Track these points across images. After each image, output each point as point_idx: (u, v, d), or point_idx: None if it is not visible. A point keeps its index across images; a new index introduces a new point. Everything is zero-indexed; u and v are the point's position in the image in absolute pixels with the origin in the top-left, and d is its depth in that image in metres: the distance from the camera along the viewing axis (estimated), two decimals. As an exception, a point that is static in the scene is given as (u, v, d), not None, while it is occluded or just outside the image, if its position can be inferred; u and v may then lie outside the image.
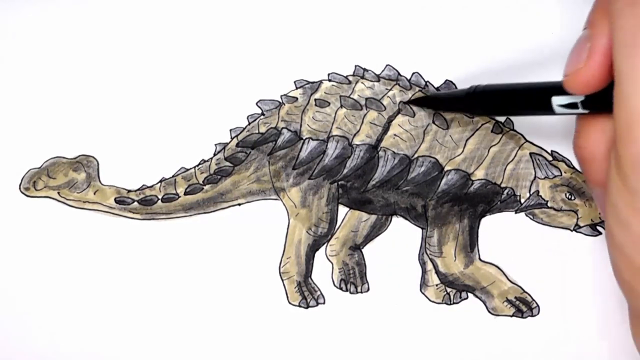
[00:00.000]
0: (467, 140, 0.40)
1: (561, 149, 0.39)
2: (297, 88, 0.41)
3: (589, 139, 0.29)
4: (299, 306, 0.40)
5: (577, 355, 0.39)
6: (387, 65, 0.41)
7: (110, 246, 0.40)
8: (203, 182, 0.41)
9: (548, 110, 0.30)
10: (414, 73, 0.41)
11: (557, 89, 0.29)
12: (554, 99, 0.30)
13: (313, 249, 0.41)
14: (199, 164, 0.41)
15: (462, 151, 0.40)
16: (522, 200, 0.40)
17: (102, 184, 0.41)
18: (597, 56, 0.27)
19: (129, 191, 0.41)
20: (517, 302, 0.40)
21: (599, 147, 0.28)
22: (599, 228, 0.40)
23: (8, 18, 0.42)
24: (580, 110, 0.29)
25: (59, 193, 0.41)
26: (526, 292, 0.40)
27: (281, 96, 0.41)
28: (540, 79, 0.33)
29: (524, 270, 0.40)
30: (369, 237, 0.41)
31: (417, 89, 0.40)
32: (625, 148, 0.25)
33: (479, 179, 0.40)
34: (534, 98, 0.31)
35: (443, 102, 0.38)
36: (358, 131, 0.40)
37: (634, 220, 0.26)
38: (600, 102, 0.27)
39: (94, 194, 0.41)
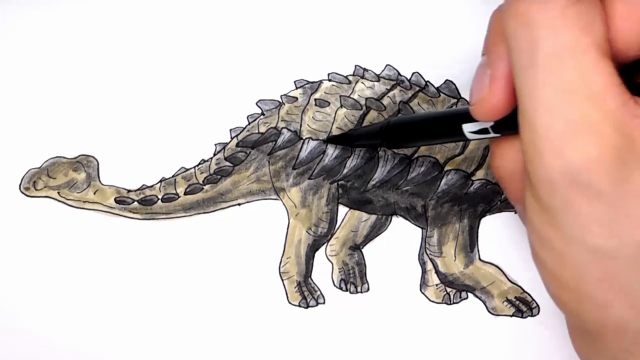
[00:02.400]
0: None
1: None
2: (297, 88, 0.41)
3: (504, 159, 0.29)
4: (299, 306, 0.40)
5: (576, 355, 0.39)
6: (387, 65, 0.41)
7: (110, 246, 0.40)
8: (203, 182, 0.41)
9: (461, 137, 0.30)
10: (414, 73, 0.41)
11: (467, 115, 0.29)
12: (465, 126, 0.30)
13: (313, 249, 0.41)
14: (199, 163, 0.41)
15: (462, 151, 0.40)
16: (522, 200, 0.40)
17: (102, 184, 0.41)
18: (498, 82, 0.27)
19: (129, 191, 0.41)
20: (517, 302, 0.40)
21: (515, 166, 0.28)
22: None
23: (8, 18, 0.42)
24: (492, 135, 0.29)
25: (59, 193, 0.41)
26: (526, 292, 0.40)
27: (281, 96, 0.41)
28: None
29: (524, 270, 0.40)
30: (369, 237, 0.41)
31: (417, 88, 0.40)
32: (535, 169, 0.25)
33: (479, 179, 0.40)
34: (446, 127, 0.32)
35: (360, 138, 0.38)
36: (358, 131, 0.40)
37: (552, 237, 0.26)
38: (509, 124, 0.27)
39: (94, 194, 0.41)
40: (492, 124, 0.29)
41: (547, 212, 0.26)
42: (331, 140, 0.40)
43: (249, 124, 0.41)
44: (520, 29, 0.25)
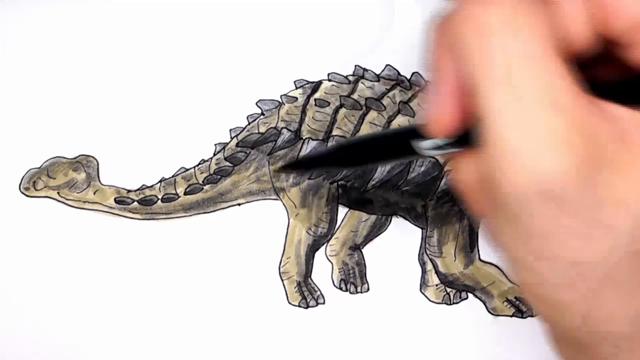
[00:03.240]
0: (467, 140, 0.40)
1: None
2: (297, 88, 0.41)
3: (464, 174, 0.28)
4: (299, 306, 0.40)
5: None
6: (387, 65, 0.41)
7: (110, 246, 0.40)
8: (203, 182, 0.41)
9: (414, 154, 0.29)
10: (414, 73, 0.41)
11: (418, 133, 0.28)
12: (421, 143, 0.29)
13: (313, 249, 0.41)
14: (199, 164, 0.41)
15: (462, 151, 0.40)
16: (522, 200, 0.40)
17: (102, 184, 0.41)
18: (449, 98, 0.26)
19: (129, 191, 0.41)
20: (517, 302, 0.40)
21: (475, 180, 0.27)
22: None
23: (8, 18, 0.42)
24: (448, 150, 0.28)
25: (59, 193, 0.41)
26: (526, 292, 0.40)
27: (281, 96, 0.41)
28: None
29: (524, 270, 0.40)
30: (369, 237, 0.41)
31: (417, 88, 0.40)
32: (500, 186, 0.24)
33: (479, 179, 0.40)
34: (397, 145, 0.30)
35: (312, 163, 0.37)
36: (358, 131, 0.40)
37: (526, 255, 0.25)
38: (465, 139, 0.26)
39: (94, 194, 0.41)
40: (445, 140, 0.28)
41: (516, 229, 0.25)
42: (284, 168, 0.39)
43: (249, 124, 0.41)
44: (473, 42, 0.24)
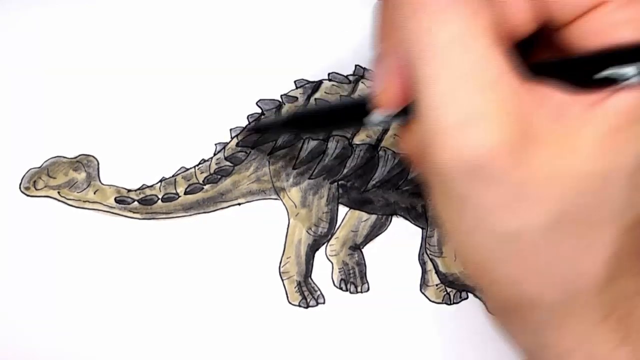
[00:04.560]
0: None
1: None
2: (297, 88, 0.41)
3: (408, 144, 0.29)
4: (299, 306, 0.40)
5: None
6: (387, 65, 0.41)
7: (110, 246, 0.40)
8: (203, 181, 0.41)
9: (363, 124, 0.31)
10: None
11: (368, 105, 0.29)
12: (371, 115, 0.30)
13: (313, 248, 0.41)
14: (199, 163, 0.41)
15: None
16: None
17: (102, 184, 0.41)
18: (393, 74, 0.27)
19: (129, 191, 0.41)
20: (517, 302, 0.40)
21: (416, 149, 0.28)
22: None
23: (8, 18, 0.42)
24: (395, 121, 0.29)
25: (59, 193, 0.41)
26: (526, 292, 0.40)
27: (281, 96, 0.41)
28: None
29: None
30: (369, 237, 0.41)
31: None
32: (434, 159, 0.25)
33: (479, 179, 0.40)
34: (349, 115, 0.32)
35: (270, 127, 0.39)
36: (358, 131, 0.40)
37: (457, 224, 0.27)
38: (408, 111, 0.27)
39: (94, 193, 0.41)
40: (394, 112, 0.29)
41: (449, 199, 0.26)
42: (245, 137, 0.40)
43: (249, 123, 0.41)
44: (410, 20, 0.25)
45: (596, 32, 0.26)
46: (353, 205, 0.41)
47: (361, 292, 0.40)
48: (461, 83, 0.24)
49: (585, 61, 0.26)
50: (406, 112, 0.28)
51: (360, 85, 0.41)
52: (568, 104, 0.25)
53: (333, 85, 0.41)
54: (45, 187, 0.41)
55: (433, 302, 0.40)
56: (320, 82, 0.41)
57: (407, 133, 0.29)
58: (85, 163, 0.41)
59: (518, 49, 0.26)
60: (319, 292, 0.40)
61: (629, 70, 0.24)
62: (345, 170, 0.40)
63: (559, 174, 0.25)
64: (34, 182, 0.41)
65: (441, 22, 0.24)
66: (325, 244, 0.41)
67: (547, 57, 0.28)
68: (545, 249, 0.26)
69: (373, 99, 0.28)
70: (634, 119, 0.25)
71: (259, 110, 0.41)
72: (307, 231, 0.40)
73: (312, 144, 0.40)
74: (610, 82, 0.25)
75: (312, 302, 0.40)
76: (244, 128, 0.41)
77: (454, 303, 0.40)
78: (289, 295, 0.40)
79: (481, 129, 0.24)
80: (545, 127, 0.25)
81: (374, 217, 0.41)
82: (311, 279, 0.40)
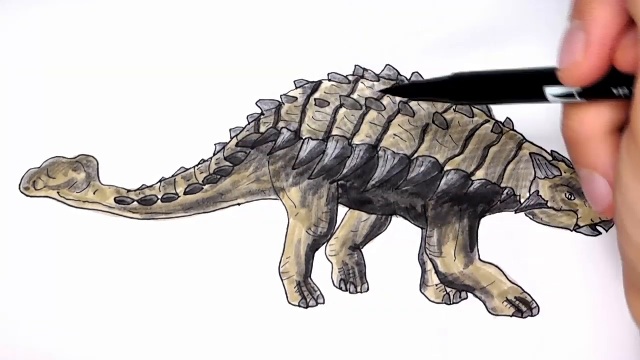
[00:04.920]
0: (467, 140, 0.40)
1: (561, 149, 0.39)
2: (297, 88, 0.41)
3: (583, 124, 0.28)
4: (299, 306, 0.40)
5: (576, 355, 0.39)
6: (387, 65, 0.41)
7: (110, 246, 0.40)
8: (203, 182, 0.41)
9: (540, 99, 0.29)
10: (413, 73, 0.41)
11: (550, 78, 0.28)
12: (548, 89, 0.28)
13: (313, 249, 0.41)
14: (199, 163, 0.41)
15: (462, 151, 0.40)
16: (522, 201, 0.40)
17: (102, 184, 0.41)
18: (594, 47, 0.25)
19: (129, 191, 0.41)
20: (517, 302, 0.40)
21: (593, 132, 0.27)
22: (598, 228, 0.40)
23: (8, 18, 0.42)
24: (578, 100, 0.28)
25: (59, 193, 0.41)
26: (526, 292, 0.40)
27: (281, 96, 0.41)
28: None
29: (524, 270, 0.40)
30: (369, 237, 0.41)
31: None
32: None
33: (479, 179, 0.40)
34: (525, 86, 0.30)
35: (423, 92, 0.35)
36: (358, 131, 0.40)
37: None
38: (599, 91, 0.26)
39: (94, 193, 0.41)
40: (579, 89, 0.27)
41: None
42: (389, 91, 0.37)
43: (249, 124, 0.41)
44: None
45: None
46: (353, 205, 0.41)
47: (361, 292, 0.40)
48: None
49: None
50: (592, 91, 0.26)
51: (360, 85, 0.41)
52: None
53: (333, 85, 0.41)
54: (45, 187, 0.41)
55: (433, 302, 0.40)
56: (320, 82, 0.41)
57: (584, 109, 0.27)
58: (85, 163, 0.41)
59: None
60: (318, 293, 0.40)
61: None
62: (345, 171, 0.40)
63: None
64: (34, 182, 0.41)
65: None
66: (325, 244, 0.41)
67: None
68: None
69: (562, 72, 0.26)
70: None
71: (259, 110, 0.41)
72: (307, 231, 0.40)
73: (312, 144, 0.40)
74: None
75: (312, 303, 0.40)
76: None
77: (454, 303, 0.40)
78: (288, 295, 0.40)
79: None
80: None
81: (373, 217, 0.41)
82: (311, 279, 0.40)
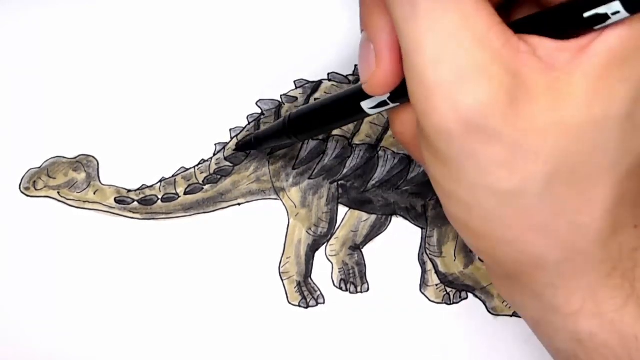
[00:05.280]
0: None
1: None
2: (297, 88, 0.41)
3: (404, 125, 0.29)
4: (299, 306, 0.40)
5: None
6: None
7: (110, 246, 0.40)
8: (203, 181, 0.41)
9: (363, 114, 0.30)
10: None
11: (363, 93, 0.29)
12: (364, 104, 0.30)
13: (313, 249, 0.41)
14: (199, 163, 0.41)
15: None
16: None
17: (102, 184, 0.41)
18: (383, 54, 0.26)
19: (129, 191, 0.41)
20: (517, 302, 0.40)
21: (414, 130, 0.28)
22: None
23: (8, 18, 0.42)
24: (391, 105, 0.29)
25: (59, 193, 0.41)
26: (526, 292, 0.40)
27: (281, 96, 0.41)
28: None
29: (524, 270, 0.40)
30: (369, 237, 0.41)
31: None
32: (428, 122, 0.25)
33: (479, 179, 0.40)
34: (346, 107, 0.31)
35: (266, 140, 0.39)
36: (358, 131, 0.40)
37: (455, 189, 0.26)
38: (404, 91, 0.27)
39: (94, 193, 0.41)
40: (388, 96, 0.28)
41: (446, 164, 0.26)
42: (239, 148, 0.40)
43: (249, 123, 0.41)
44: None
45: None
46: (353, 205, 0.41)
47: (361, 292, 0.40)
48: (453, 38, 0.24)
49: (567, 9, 0.25)
50: (398, 94, 0.27)
51: (360, 85, 0.41)
52: (557, 52, 0.24)
53: (333, 85, 0.41)
54: (45, 187, 0.41)
55: (433, 302, 0.40)
56: (320, 82, 0.41)
57: (400, 113, 0.29)
58: (85, 163, 0.41)
59: (499, 11, 0.25)
60: (318, 292, 0.40)
61: (613, 6, 0.23)
62: (345, 170, 0.40)
63: (552, 125, 0.24)
64: (34, 182, 0.41)
65: None
66: (325, 244, 0.41)
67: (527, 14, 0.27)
68: (544, 205, 0.25)
69: (363, 86, 0.28)
70: (621, 59, 0.24)
71: (259, 110, 0.41)
72: (307, 231, 0.40)
73: (312, 144, 0.40)
74: (596, 22, 0.24)
75: (312, 302, 0.40)
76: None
77: (454, 303, 0.40)
78: (289, 295, 0.40)
79: (474, 84, 0.24)
80: (537, 78, 0.24)
81: (373, 217, 0.41)
82: (311, 279, 0.40)
